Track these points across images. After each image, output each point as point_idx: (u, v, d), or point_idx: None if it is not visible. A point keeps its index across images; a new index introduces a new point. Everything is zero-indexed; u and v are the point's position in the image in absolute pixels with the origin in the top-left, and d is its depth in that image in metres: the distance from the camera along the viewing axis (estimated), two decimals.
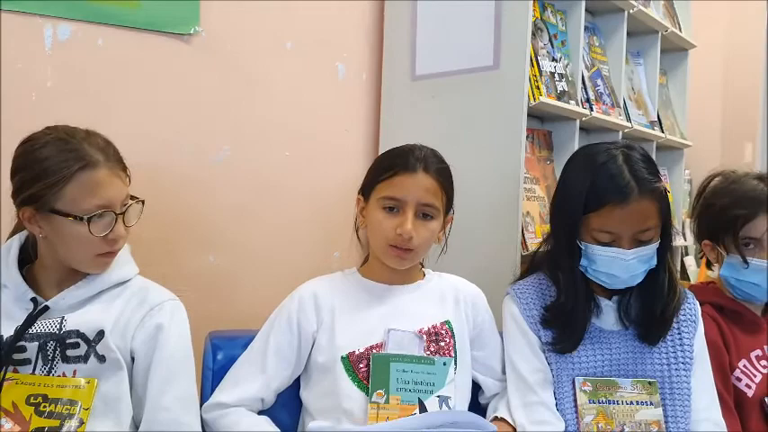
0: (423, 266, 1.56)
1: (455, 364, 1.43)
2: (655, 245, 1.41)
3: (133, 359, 1.29)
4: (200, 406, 1.38)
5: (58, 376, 1.23)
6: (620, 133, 2.29)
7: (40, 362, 1.23)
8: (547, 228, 1.66)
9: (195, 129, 1.83)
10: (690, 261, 3.51)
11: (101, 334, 1.25)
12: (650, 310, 1.46)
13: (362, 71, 2.21)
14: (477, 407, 1.52)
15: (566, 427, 1.41)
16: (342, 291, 1.48)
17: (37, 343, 1.23)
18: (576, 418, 1.42)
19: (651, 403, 1.43)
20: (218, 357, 1.48)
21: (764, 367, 1.59)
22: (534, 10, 1.97)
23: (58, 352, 1.23)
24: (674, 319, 1.48)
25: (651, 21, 2.49)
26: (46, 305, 1.25)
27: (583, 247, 1.42)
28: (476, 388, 1.51)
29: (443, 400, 1.38)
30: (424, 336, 1.43)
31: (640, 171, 1.39)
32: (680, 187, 2.84)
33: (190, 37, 1.80)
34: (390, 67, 2.17)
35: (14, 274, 1.27)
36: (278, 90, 1.99)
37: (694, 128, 2.93)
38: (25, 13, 1.56)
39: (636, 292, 1.48)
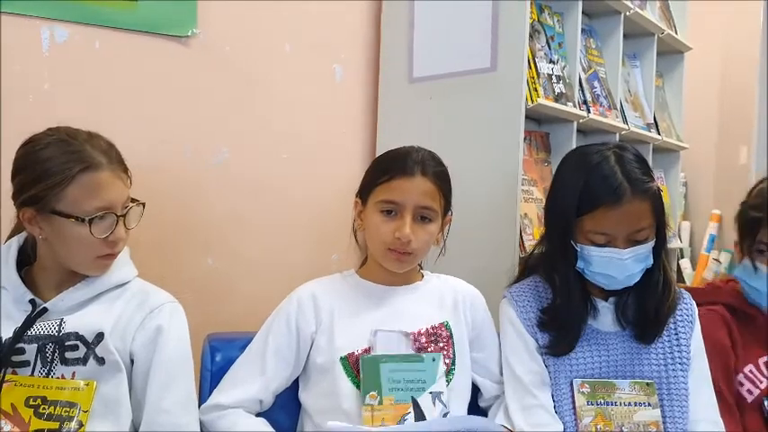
0: (421, 268, 1.56)
1: (453, 365, 1.43)
2: (650, 244, 1.41)
3: (132, 361, 1.29)
4: (199, 407, 1.38)
5: (57, 378, 1.23)
6: (617, 135, 2.29)
7: (38, 364, 1.23)
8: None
9: (193, 131, 1.83)
10: (685, 264, 3.51)
11: (100, 336, 1.25)
12: (644, 310, 1.46)
13: (360, 73, 2.21)
14: (477, 409, 1.52)
15: (564, 429, 1.41)
16: (341, 292, 1.48)
17: (36, 345, 1.23)
18: (575, 419, 1.42)
19: (649, 404, 1.43)
20: (216, 359, 1.48)
21: None
22: (531, 12, 1.97)
23: (56, 354, 1.23)
24: (671, 320, 1.48)
25: (647, 23, 2.49)
26: (44, 307, 1.25)
27: (578, 249, 1.41)
28: (475, 390, 1.51)
29: (436, 395, 1.37)
30: (411, 334, 1.43)
31: (633, 171, 1.39)
32: (676, 189, 2.84)
33: (187, 39, 1.80)
34: (388, 69, 2.17)
35: (13, 276, 1.27)
36: (275, 92, 1.99)
37: (690, 130, 2.93)
38: (22, 15, 1.56)
39: (632, 292, 1.47)
